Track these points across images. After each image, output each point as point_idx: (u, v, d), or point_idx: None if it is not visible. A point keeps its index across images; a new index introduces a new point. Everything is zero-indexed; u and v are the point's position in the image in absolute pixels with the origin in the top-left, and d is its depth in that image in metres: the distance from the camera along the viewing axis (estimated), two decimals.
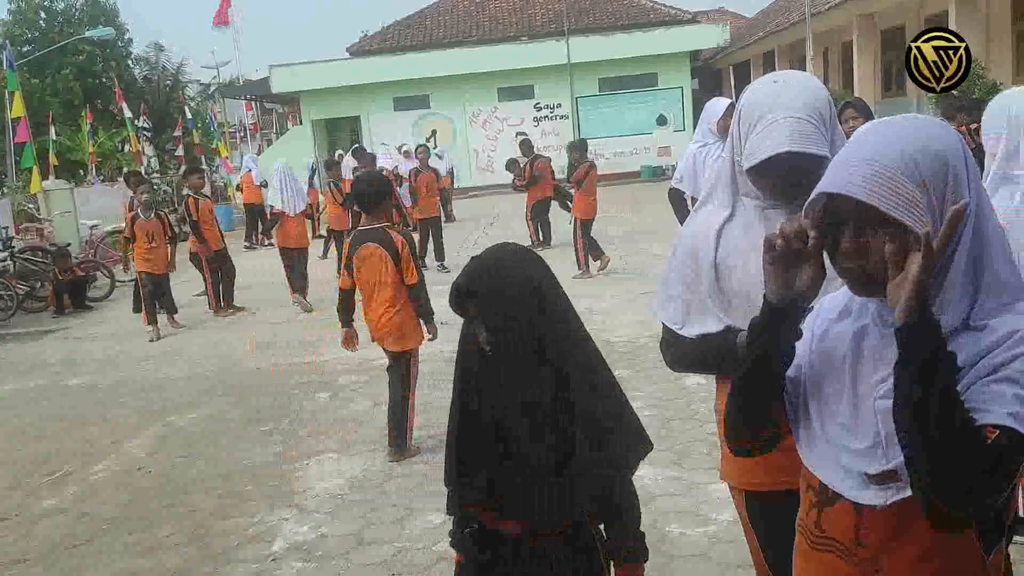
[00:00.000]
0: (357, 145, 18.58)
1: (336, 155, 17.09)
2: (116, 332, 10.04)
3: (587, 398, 1.97)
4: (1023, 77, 14.78)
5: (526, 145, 13.36)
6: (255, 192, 17.00)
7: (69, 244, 13.09)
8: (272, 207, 10.40)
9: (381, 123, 25.69)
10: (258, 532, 4.37)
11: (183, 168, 13.99)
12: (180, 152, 25.20)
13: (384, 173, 15.04)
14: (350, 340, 5.30)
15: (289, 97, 29.41)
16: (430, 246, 12.26)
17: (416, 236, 11.86)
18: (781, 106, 1.92)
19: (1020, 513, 3.29)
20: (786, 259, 1.41)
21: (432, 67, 25.27)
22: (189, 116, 26.57)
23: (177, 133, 25.96)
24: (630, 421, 2.06)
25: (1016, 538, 3.46)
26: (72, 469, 5.58)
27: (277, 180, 10.22)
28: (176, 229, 9.81)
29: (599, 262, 10.63)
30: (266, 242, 15.70)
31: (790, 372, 1.53)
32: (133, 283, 10.41)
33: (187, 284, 11.53)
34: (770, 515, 2.02)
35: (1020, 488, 3.41)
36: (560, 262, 10.84)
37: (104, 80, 31.09)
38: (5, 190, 18.69)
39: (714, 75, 31.36)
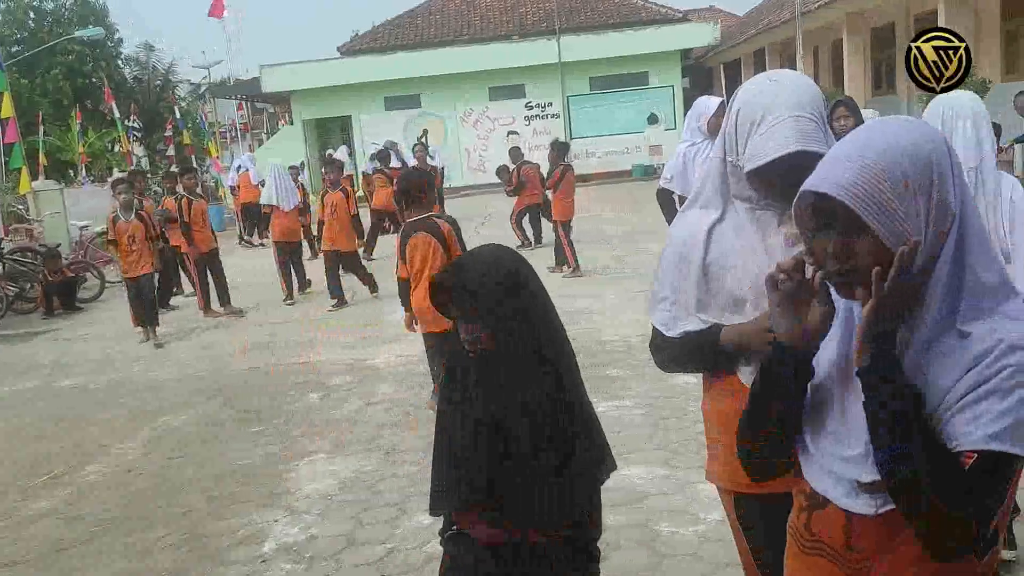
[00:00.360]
0: (329, 151, 18.67)
1: (327, 154, 17.23)
2: (107, 333, 10.01)
3: (581, 399, 1.99)
4: (1012, 75, 14.85)
5: (515, 152, 13.39)
6: (252, 191, 16.92)
7: (59, 245, 13.04)
8: (265, 206, 11.23)
9: (372, 123, 25.65)
10: (249, 533, 4.37)
11: (173, 168, 13.93)
12: (171, 152, 25.14)
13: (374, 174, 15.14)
14: (410, 323, 5.60)
15: (280, 97, 29.35)
16: None
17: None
18: (782, 105, 1.92)
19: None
20: (793, 296, 1.40)
21: (423, 66, 25.25)
22: (179, 116, 26.49)
23: (168, 133, 25.89)
24: (597, 433, 2.08)
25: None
26: (65, 471, 5.57)
27: (271, 178, 11.00)
28: (157, 229, 9.56)
29: (565, 267, 10.66)
30: (263, 241, 15.67)
31: None
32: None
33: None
34: (768, 515, 2.02)
35: None
36: (547, 263, 10.85)
37: (94, 80, 30.99)
38: None
39: (705, 74, 31.42)
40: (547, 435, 1.93)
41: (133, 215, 9.10)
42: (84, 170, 22.32)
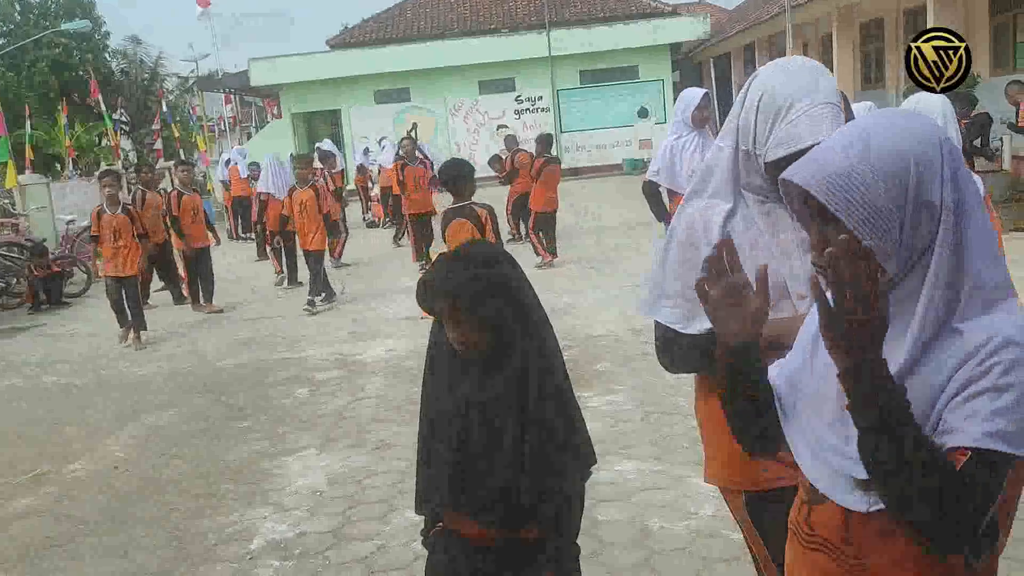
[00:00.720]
0: (318, 144, 18.65)
1: (316, 148, 17.23)
2: (93, 329, 9.92)
3: (541, 404, 1.94)
4: (1000, 70, 14.89)
5: (511, 140, 13.36)
6: (241, 185, 16.75)
7: (45, 239, 12.93)
8: (261, 193, 11.81)
9: (362, 116, 25.55)
10: (236, 531, 4.32)
11: (161, 161, 13.81)
12: (159, 146, 24.98)
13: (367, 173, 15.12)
14: None
15: (269, 90, 29.20)
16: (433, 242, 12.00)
17: (408, 232, 11.91)
18: (810, 92, 1.88)
19: None
20: (729, 295, 1.42)
21: (413, 60, 25.15)
22: (165, 109, 26.33)
23: (156, 127, 25.73)
24: (579, 432, 2.03)
25: None
26: (48, 469, 5.51)
27: (267, 168, 11.60)
28: (145, 226, 9.15)
29: (543, 258, 10.66)
30: (250, 235, 15.56)
31: (777, 374, 1.53)
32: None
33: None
34: (778, 512, 1.97)
35: None
36: (536, 260, 10.82)
37: (80, 73, 30.76)
38: None
39: (695, 68, 31.42)
40: (504, 439, 1.91)
41: (120, 209, 8.71)
42: (71, 164, 22.14)
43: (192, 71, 37.06)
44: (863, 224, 1.27)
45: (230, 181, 17.66)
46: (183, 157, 18.68)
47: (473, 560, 2.01)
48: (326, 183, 13.06)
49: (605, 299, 8.69)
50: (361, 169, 18.61)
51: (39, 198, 15.12)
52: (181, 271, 10.47)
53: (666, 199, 6.54)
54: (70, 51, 31.55)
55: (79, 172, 22.71)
